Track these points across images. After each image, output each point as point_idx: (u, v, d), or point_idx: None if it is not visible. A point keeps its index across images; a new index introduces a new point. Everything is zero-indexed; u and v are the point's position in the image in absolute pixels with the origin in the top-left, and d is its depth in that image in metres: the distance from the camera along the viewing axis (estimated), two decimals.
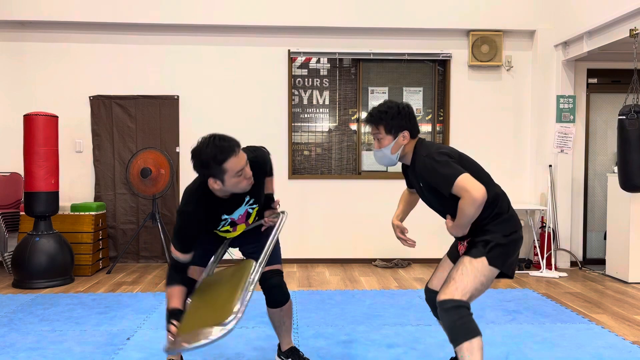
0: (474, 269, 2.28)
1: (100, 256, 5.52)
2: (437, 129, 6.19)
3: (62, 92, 5.85)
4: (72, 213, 5.34)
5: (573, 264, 5.88)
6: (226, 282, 2.56)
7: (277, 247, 2.83)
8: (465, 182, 2.21)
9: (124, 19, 5.69)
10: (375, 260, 5.88)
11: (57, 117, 5.00)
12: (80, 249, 5.22)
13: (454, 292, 2.24)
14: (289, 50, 5.96)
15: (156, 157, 5.41)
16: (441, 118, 6.17)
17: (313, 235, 5.99)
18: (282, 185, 5.97)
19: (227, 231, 2.72)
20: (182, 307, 2.48)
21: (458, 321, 2.20)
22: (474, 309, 4.07)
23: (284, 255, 6.26)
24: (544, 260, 5.53)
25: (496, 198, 2.37)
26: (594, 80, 6.03)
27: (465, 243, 2.44)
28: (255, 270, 2.52)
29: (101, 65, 5.88)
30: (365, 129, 6.11)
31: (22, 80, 5.84)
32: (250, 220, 2.73)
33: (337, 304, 4.21)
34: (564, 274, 5.41)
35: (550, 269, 5.53)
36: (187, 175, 5.94)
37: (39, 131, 4.78)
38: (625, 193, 4.92)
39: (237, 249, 3.00)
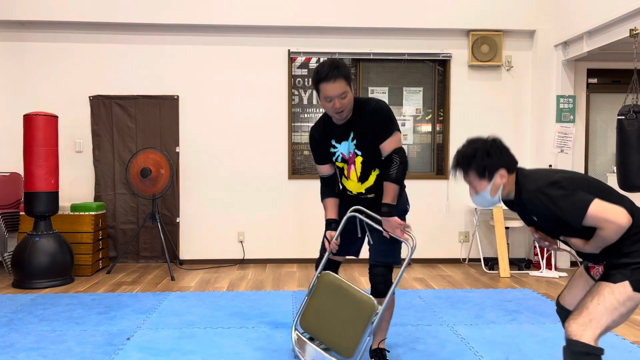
0: (614, 300, 1.98)
1: (100, 256, 5.52)
2: (437, 129, 6.19)
3: (62, 92, 5.85)
4: (72, 213, 5.34)
5: (573, 264, 5.88)
6: (350, 308, 2.69)
7: (395, 246, 2.83)
8: (601, 211, 1.94)
9: (124, 19, 5.69)
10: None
11: (57, 117, 5.00)
12: (80, 249, 5.22)
13: (586, 329, 1.96)
14: (289, 50, 5.96)
15: (156, 157, 5.41)
16: (441, 118, 6.17)
17: (313, 235, 5.99)
18: (282, 186, 5.98)
19: (343, 172, 2.87)
20: (336, 217, 2.88)
21: None
22: (474, 310, 4.08)
23: (284, 255, 6.30)
24: (544, 260, 5.53)
25: (634, 215, 2.06)
26: (594, 80, 6.03)
27: (600, 268, 2.16)
28: (377, 315, 2.64)
29: (101, 65, 5.88)
30: None
31: (22, 80, 5.84)
32: (357, 172, 2.80)
33: None
34: (564, 274, 5.41)
35: (550, 269, 5.53)
36: (187, 175, 5.94)
37: (39, 131, 4.78)
38: (625, 193, 4.92)
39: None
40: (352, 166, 2.81)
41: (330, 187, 2.92)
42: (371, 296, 2.70)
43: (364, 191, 2.83)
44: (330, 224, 2.87)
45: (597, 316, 1.97)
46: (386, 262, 2.82)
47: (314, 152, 2.91)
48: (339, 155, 2.82)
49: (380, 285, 2.79)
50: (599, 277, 2.13)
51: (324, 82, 2.60)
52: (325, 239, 2.85)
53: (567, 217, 1.99)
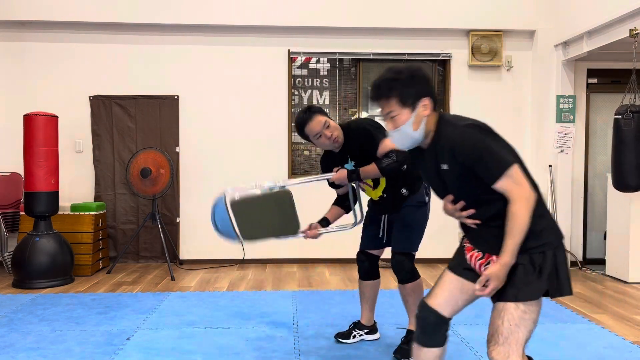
0: (519, 312, 1.81)
1: (100, 256, 5.52)
2: None
3: (62, 92, 5.84)
4: (72, 213, 5.34)
5: (573, 264, 5.88)
6: (273, 208, 2.92)
7: (412, 233, 3.08)
8: (521, 176, 1.77)
9: (124, 19, 5.69)
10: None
11: (57, 117, 5.00)
12: (80, 249, 5.22)
13: (509, 354, 1.81)
14: (289, 50, 5.96)
15: (156, 157, 5.41)
16: None
17: None
18: None
19: (360, 188, 3.21)
20: (329, 217, 3.21)
21: None
22: (474, 310, 4.07)
23: (285, 255, 6.29)
24: None
25: (538, 202, 1.86)
26: (594, 80, 6.03)
27: (494, 258, 1.87)
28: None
29: (101, 65, 5.88)
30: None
31: (22, 80, 5.84)
32: (370, 181, 3.09)
33: (337, 304, 4.22)
34: None
35: None
36: (187, 175, 5.94)
37: (39, 131, 4.78)
38: (625, 193, 4.91)
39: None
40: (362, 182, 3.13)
41: (340, 200, 3.25)
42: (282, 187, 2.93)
43: (381, 193, 3.11)
44: (322, 220, 3.19)
45: (513, 336, 1.82)
46: (402, 249, 3.07)
47: (328, 180, 3.18)
48: None
49: (401, 273, 3.06)
50: (481, 268, 1.92)
51: (304, 126, 2.97)
52: (310, 225, 3.15)
53: (487, 166, 1.80)
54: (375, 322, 3.43)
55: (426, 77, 1.93)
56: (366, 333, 3.38)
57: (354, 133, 3.04)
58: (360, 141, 3.00)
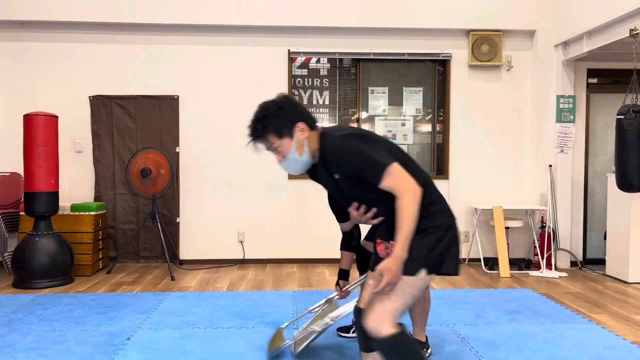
0: (404, 285, 1.92)
1: (100, 256, 5.52)
2: (437, 129, 6.19)
3: (62, 92, 5.85)
4: (72, 213, 5.34)
5: (573, 264, 5.88)
6: None
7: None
8: (401, 172, 1.88)
9: (124, 19, 5.69)
10: None
11: (57, 117, 5.00)
12: (80, 249, 5.22)
13: (382, 321, 1.91)
14: (289, 50, 5.96)
15: (156, 157, 5.41)
16: (441, 118, 6.17)
17: (313, 235, 5.99)
18: (282, 186, 5.98)
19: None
20: (348, 268, 3.16)
21: (396, 352, 1.92)
22: (474, 310, 4.07)
23: (284, 255, 6.30)
24: (544, 260, 5.53)
25: (427, 190, 2.01)
26: (594, 80, 6.03)
27: (391, 245, 2.05)
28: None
29: (101, 65, 5.88)
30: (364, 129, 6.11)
31: (22, 80, 5.84)
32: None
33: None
34: (564, 274, 5.41)
35: (550, 269, 5.53)
36: (187, 175, 5.94)
37: (39, 131, 4.78)
38: (625, 193, 4.92)
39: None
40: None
41: (349, 241, 3.17)
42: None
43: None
44: (343, 274, 3.19)
45: (390, 306, 1.92)
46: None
47: (331, 206, 3.10)
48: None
49: None
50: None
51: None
52: (337, 286, 3.20)
53: (368, 170, 1.91)
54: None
55: (294, 104, 2.05)
56: None
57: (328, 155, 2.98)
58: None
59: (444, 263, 1.98)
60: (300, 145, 2.04)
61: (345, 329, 3.48)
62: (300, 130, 2.03)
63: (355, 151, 1.93)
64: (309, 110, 2.10)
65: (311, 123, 2.06)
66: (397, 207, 1.87)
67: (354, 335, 3.43)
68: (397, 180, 1.88)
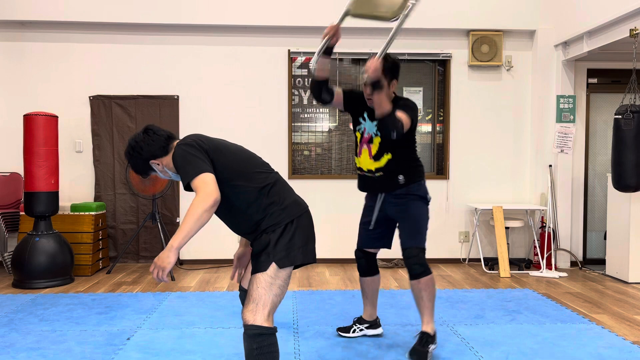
0: (267, 278, 2.16)
1: (100, 256, 5.52)
2: (437, 129, 6.19)
3: (62, 92, 5.85)
4: (72, 213, 5.34)
5: (573, 264, 5.88)
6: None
7: (422, 227, 3.14)
8: (201, 185, 2.06)
9: (124, 19, 5.69)
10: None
11: (57, 117, 5.00)
12: (80, 249, 5.22)
13: (255, 314, 2.14)
14: (289, 50, 5.96)
15: None
16: (441, 118, 6.17)
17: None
18: None
19: (356, 147, 3.26)
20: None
21: (256, 350, 2.13)
22: (474, 310, 4.07)
23: None
24: (544, 260, 5.53)
25: (263, 193, 2.22)
26: (594, 80, 6.03)
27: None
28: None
29: (101, 65, 5.88)
30: None
31: (22, 80, 5.84)
32: (374, 149, 3.13)
33: (337, 304, 4.21)
34: (564, 274, 5.42)
35: (550, 269, 5.53)
36: None
37: (39, 131, 4.78)
38: (625, 193, 4.92)
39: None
40: (366, 145, 3.17)
41: (322, 85, 3.21)
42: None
43: (374, 169, 3.15)
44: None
45: (260, 298, 2.15)
46: (415, 244, 3.08)
47: (352, 94, 3.27)
48: (361, 128, 3.22)
49: (416, 267, 3.05)
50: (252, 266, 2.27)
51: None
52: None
53: (182, 173, 2.12)
54: (377, 318, 3.48)
55: (145, 141, 2.26)
56: (367, 328, 3.44)
57: (400, 101, 3.13)
58: (398, 104, 3.07)
59: (290, 255, 2.19)
60: (164, 171, 2.30)
61: (344, 329, 3.48)
62: (157, 165, 2.29)
63: (178, 158, 2.15)
64: (162, 141, 2.27)
65: (166, 150, 2.27)
66: (190, 205, 2.06)
67: (354, 335, 3.43)
68: (197, 187, 2.07)
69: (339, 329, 3.49)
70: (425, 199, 3.17)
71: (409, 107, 3.09)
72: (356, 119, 3.27)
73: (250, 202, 2.21)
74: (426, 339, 3.05)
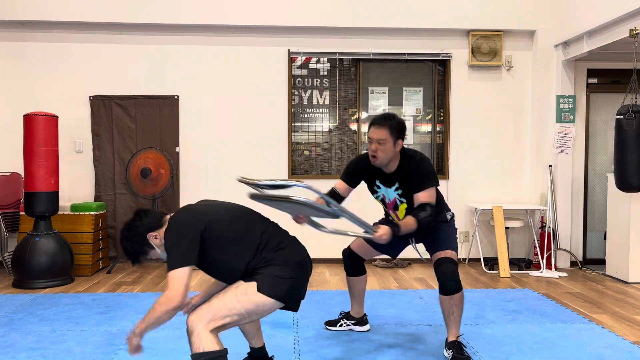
0: (236, 293, 2.17)
1: (100, 256, 5.52)
2: (437, 129, 6.19)
3: (62, 92, 5.84)
4: (72, 213, 5.34)
5: (573, 264, 5.88)
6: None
7: (452, 241, 3.09)
8: (174, 280, 2.09)
9: (124, 19, 5.69)
10: (375, 260, 5.88)
11: (57, 117, 5.00)
12: (80, 249, 5.22)
13: (200, 319, 2.13)
14: (289, 50, 5.96)
15: (156, 157, 5.41)
16: (441, 118, 6.17)
17: (313, 235, 5.96)
18: None
19: (384, 207, 3.21)
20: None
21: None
22: (474, 310, 4.07)
23: None
24: (544, 260, 5.53)
25: (260, 248, 2.28)
26: (594, 80, 6.03)
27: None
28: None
29: (101, 65, 5.88)
30: (364, 129, 6.10)
31: (22, 80, 5.84)
32: (401, 216, 3.09)
33: (337, 304, 4.21)
34: (564, 274, 5.41)
35: (550, 269, 5.53)
36: (187, 175, 5.94)
37: (39, 131, 4.78)
38: (625, 193, 4.92)
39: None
40: (392, 211, 3.16)
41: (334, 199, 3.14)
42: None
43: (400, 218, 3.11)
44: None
45: (215, 308, 2.15)
46: (450, 255, 2.99)
47: (349, 169, 3.21)
48: (380, 196, 3.17)
49: (451, 282, 2.93)
50: None
51: (371, 126, 3.00)
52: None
53: (168, 259, 2.16)
54: (365, 315, 3.54)
55: (140, 217, 2.33)
56: (354, 324, 3.51)
57: (415, 163, 2.98)
58: (414, 169, 2.97)
59: (274, 286, 2.22)
60: (161, 246, 2.28)
61: (331, 322, 3.55)
62: (154, 238, 2.29)
63: (168, 240, 2.19)
64: (153, 212, 2.34)
65: (158, 224, 2.30)
66: (157, 299, 2.10)
67: (340, 329, 3.51)
68: (170, 279, 2.09)
69: (326, 323, 3.56)
70: (446, 221, 3.12)
71: (427, 178, 2.94)
72: (371, 188, 3.20)
73: (248, 260, 2.25)
74: (458, 345, 3.01)
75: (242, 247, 2.24)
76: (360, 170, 3.17)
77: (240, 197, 6.30)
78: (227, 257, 2.24)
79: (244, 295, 2.17)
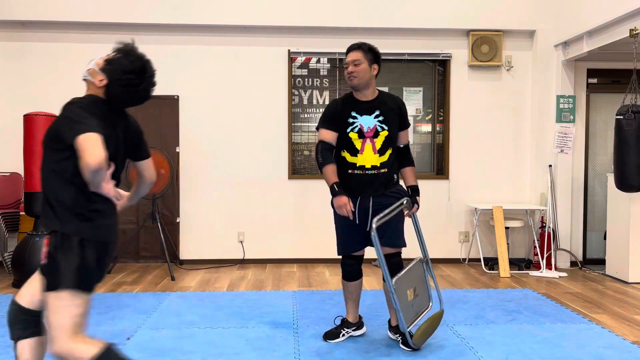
0: (60, 304, 1.96)
1: None
2: (437, 129, 6.19)
3: (62, 92, 5.84)
4: None
5: (573, 264, 5.88)
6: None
7: (403, 228, 3.19)
8: (86, 142, 1.83)
9: (124, 19, 5.69)
10: (375, 260, 5.88)
11: None
12: None
13: (61, 343, 1.95)
14: (289, 50, 5.96)
15: (156, 157, 5.41)
16: (441, 118, 6.17)
17: (313, 235, 5.99)
18: (282, 185, 5.98)
19: (354, 147, 3.10)
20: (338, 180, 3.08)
21: None
22: (474, 310, 4.07)
23: (284, 254, 6.28)
24: (544, 260, 5.53)
25: (79, 194, 1.99)
26: (594, 80, 6.03)
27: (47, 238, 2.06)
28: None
29: None
30: None
31: (22, 80, 5.84)
32: (378, 144, 3.10)
33: (337, 304, 4.21)
34: (564, 274, 5.41)
35: (550, 269, 5.53)
36: (187, 175, 5.95)
37: (39, 131, 4.78)
38: (625, 193, 4.92)
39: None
40: (369, 140, 3.08)
41: (332, 154, 3.14)
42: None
43: (379, 164, 3.10)
44: (339, 187, 3.03)
45: (60, 328, 1.96)
46: (402, 246, 3.19)
47: (327, 117, 3.14)
48: (357, 126, 3.10)
49: (400, 271, 3.09)
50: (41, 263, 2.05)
51: (346, 54, 3.17)
52: (337, 211, 3.07)
53: (64, 130, 1.93)
54: (360, 317, 3.49)
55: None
56: (354, 330, 3.43)
57: (400, 102, 3.23)
58: (403, 110, 3.21)
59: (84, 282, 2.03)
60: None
61: (332, 335, 3.38)
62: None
63: (62, 113, 2.02)
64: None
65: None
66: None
67: (343, 339, 3.37)
68: (82, 145, 1.86)
69: (326, 336, 3.36)
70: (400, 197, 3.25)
71: (404, 112, 3.25)
72: (345, 122, 3.11)
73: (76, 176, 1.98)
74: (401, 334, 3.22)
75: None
76: (338, 112, 3.14)
77: (241, 197, 6.32)
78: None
79: (68, 302, 1.98)
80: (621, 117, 4.47)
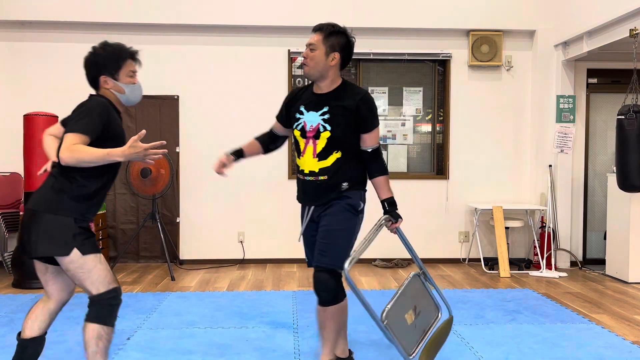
0: (77, 267, 2.38)
1: None
2: (437, 129, 6.19)
3: (62, 92, 5.84)
4: None
5: (573, 264, 5.88)
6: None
7: (340, 241, 2.54)
8: (72, 139, 2.30)
9: (124, 19, 5.69)
10: (375, 260, 5.88)
11: (57, 117, 5.00)
12: None
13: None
14: (289, 50, 5.96)
15: None
16: (441, 118, 6.17)
17: None
18: (282, 185, 5.98)
19: (298, 147, 2.65)
20: (244, 150, 2.82)
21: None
22: (474, 310, 4.07)
23: (284, 254, 6.28)
24: (544, 260, 5.53)
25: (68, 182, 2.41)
26: (594, 80, 6.03)
27: None
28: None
29: None
30: None
31: (22, 80, 5.84)
32: (320, 146, 2.56)
33: None
34: (564, 274, 5.42)
35: (550, 269, 5.53)
36: (187, 175, 5.95)
37: (39, 131, 4.77)
38: (625, 193, 4.92)
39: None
40: (311, 142, 2.58)
41: (266, 138, 2.88)
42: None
43: (317, 170, 2.57)
44: (235, 149, 2.79)
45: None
46: (326, 264, 2.49)
47: (283, 105, 2.79)
48: (301, 124, 2.62)
49: (323, 294, 2.48)
50: None
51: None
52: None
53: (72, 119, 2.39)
54: (351, 351, 2.93)
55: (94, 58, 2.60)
56: None
57: (363, 97, 2.57)
58: (364, 107, 2.55)
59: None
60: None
61: None
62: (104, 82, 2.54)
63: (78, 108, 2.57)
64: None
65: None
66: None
67: None
68: (67, 143, 2.31)
69: None
70: (356, 211, 2.60)
71: (375, 116, 2.59)
72: (293, 117, 2.67)
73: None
74: None
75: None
76: (289, 102, 2.74)
77: (241, 197, 6.32)
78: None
79: (81, 264, 2.35)
80: (622, 117, 4.47)
